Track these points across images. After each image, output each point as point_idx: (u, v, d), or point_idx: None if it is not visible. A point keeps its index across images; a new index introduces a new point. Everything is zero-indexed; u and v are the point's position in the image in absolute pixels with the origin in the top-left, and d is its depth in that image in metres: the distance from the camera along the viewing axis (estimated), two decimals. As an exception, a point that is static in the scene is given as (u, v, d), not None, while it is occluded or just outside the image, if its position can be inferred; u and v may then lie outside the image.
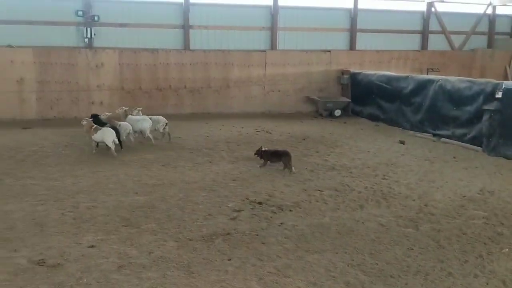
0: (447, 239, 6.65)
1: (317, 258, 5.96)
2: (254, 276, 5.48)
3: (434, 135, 14.06)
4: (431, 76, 15.67)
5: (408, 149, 12.65)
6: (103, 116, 12.45)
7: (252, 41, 18.98)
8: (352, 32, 20.30)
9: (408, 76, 15.97)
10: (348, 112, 18.73)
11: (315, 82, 19.57)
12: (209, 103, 18.37)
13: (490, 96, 12.11)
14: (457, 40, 22.05)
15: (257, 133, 14.71)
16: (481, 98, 12.39)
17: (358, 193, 8.70)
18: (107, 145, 11.03)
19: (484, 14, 22.27)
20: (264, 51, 18.95)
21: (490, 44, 22.85)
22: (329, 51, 19.80)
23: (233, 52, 18.47)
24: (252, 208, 7.74)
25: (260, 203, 7.99)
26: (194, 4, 18.01)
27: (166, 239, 6.47)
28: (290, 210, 7.70)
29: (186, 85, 17.99)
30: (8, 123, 15.44)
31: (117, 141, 11.14)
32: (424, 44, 21.60)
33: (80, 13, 16.59)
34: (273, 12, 18.93)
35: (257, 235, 6.65)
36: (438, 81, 14.26)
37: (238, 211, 7.61)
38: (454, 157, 11.69)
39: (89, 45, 17.02)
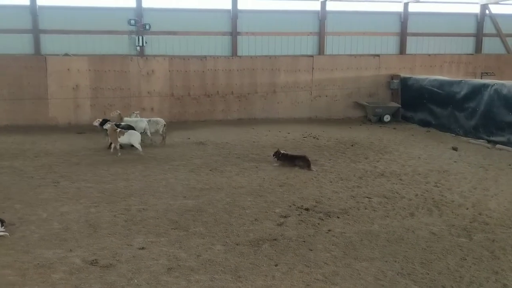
0: (502, 249, 6.39)
1: (365, 266, 5.86)
2: (301, 282, 5.45)
3: (489, 141, 13.58)
4: (486, 81, 15.11)
5: (461, 155, 12.24)
6: (114, 113, 13.33)
7: (299, 46, 19.02)
8: (402, 36, 19.94)
9: (462, 80, 15.51)
10: (398, 117, 18.39)
11: (364, 87, 19.32)
12: (256, 108, 18.49)
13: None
14: (513, 43, 21.18)
15: (304, 138, 14.63)
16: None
17: (408, 200, 8.49)
18: (133, 146, 11.86)
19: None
20: (312, 56, 18.90)
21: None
22: (378, 55, 19.52)
23: (280, 58, 18.54)
24: (299, 214, 7.71)
25: (307, 209, 7.95)
26: (242, 11, 18.25)
27: (214, 242, 6.56)
28: (338, 217, 7.61)
29: (233, 91, 18.19)
30: (64, 128, 16.17)
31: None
32: (478, 48, 20.85)
33: (133, 22, 17.16)
34: (321, 17, 18.88)
35: (304, 241, 6.61)
36: (493, 85, 13.82)
37: (285, 217, 7.59)
38: (510, 165, 11.22)
39: (141, 53, 17.59)
